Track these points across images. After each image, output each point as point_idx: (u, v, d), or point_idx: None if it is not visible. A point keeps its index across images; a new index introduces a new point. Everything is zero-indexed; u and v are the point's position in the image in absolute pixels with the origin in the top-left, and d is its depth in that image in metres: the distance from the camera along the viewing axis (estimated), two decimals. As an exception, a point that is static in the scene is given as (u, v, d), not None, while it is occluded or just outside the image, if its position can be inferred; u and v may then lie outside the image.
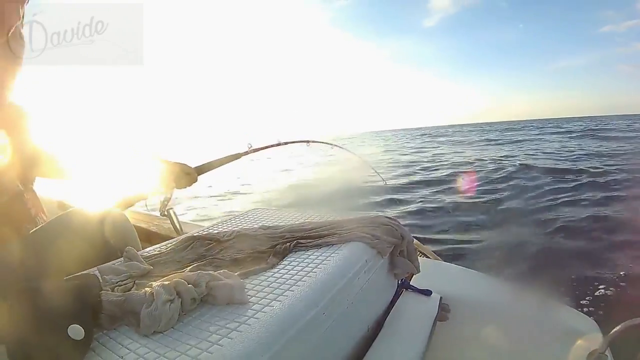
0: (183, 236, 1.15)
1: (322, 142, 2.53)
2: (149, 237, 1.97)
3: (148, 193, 1.48)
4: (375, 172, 2.55)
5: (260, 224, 1.20)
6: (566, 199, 5.59)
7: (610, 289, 2.80)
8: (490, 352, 1.07)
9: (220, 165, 1.66)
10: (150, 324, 0.62)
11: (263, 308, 0.66)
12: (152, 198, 1.51)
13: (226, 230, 1.18)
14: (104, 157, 1.32)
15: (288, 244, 0.97)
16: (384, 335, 0.95)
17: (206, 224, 1.54)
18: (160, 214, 1.35)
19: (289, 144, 2.12)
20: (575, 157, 11.11)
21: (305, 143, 2.27)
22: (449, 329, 1.12)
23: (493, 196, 6.12)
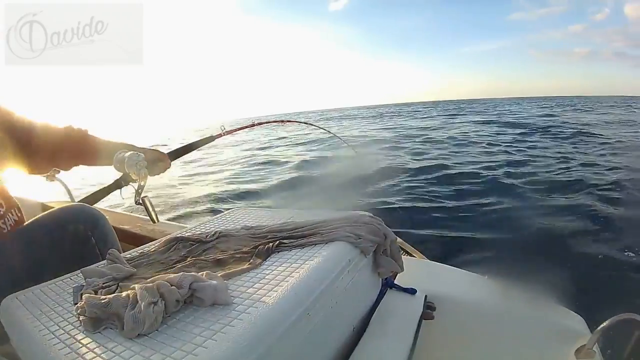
0: (166, 237, 1.14)
1: (297, 122, 2.59)
2: (132, 238, 1.95)
3: (121, 183, 1.46)
4: (347, 144, 2.59)
5: (242, 224, 1.20)
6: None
7: (597, 284, 2.85)
8: (477, 350, 1.08)
9: (194, 149, 1.67)
10: (134, 327, 0.62)
11: (247, 309, 0.66)
12: (125, 188, 1.49)
13: (209, 230, 1.17)
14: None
15: (271, 244, 0.97)
16: (370, 334, 0.96)
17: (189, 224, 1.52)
18: (135, 203, 1.34)
19: (263, 125, 2.12)
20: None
21: (280, 123, 2.29)
22: (434, 328, 1.12)
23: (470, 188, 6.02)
